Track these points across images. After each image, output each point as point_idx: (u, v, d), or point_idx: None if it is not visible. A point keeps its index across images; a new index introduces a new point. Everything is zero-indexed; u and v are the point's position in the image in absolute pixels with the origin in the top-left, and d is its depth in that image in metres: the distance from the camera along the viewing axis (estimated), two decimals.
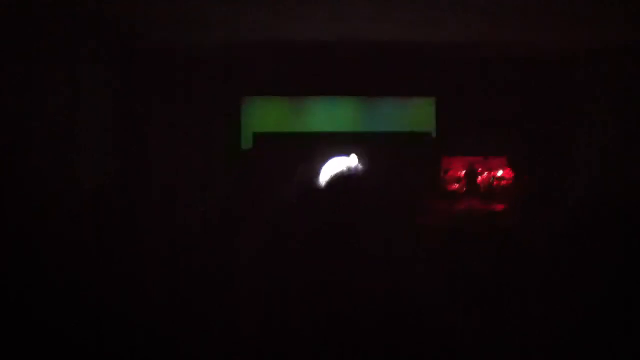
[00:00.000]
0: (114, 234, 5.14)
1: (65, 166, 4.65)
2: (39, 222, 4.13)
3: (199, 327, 4.00)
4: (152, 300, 4.36)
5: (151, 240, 5.45)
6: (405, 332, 3.33)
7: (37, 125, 4.30)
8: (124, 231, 5.27)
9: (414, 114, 6.54)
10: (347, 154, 6.28)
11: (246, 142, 6.33)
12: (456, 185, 5.84)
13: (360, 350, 3.15)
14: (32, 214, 4.05)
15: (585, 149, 6.29)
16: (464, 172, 5.87)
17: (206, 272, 5.03)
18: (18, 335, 3.18)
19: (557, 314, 4.18)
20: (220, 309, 3.99)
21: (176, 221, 5.88)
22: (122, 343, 3.47)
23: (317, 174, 6.21)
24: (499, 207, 5.62)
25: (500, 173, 5.87)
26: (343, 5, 5.34)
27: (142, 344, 3.56)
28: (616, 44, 5.88)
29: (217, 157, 6.20)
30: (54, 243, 4.20)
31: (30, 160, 4.19)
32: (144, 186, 5.81)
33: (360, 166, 6.21)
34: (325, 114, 6.59)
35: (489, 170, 5.89)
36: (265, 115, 6.49)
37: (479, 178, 5.85)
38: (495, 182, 5.82)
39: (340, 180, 6.23)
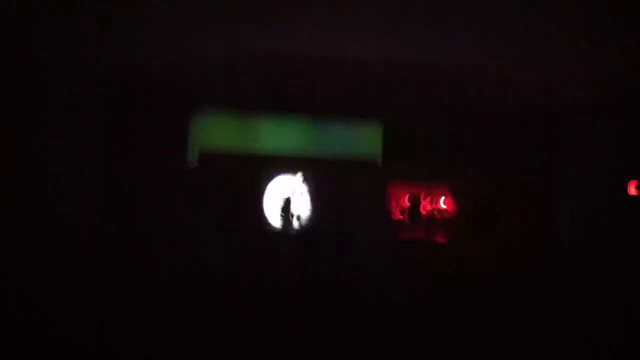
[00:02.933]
0: None
1: None
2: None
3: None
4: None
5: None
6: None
7: None
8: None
9: (362, 138, 6.55)
10: (294, 174, 6.33)
11: (193, 160, 6.26)
12: (400, 215, 5.91)
13: None
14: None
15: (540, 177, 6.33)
16: (407, 201, 5.94)
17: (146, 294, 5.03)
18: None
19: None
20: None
21: (117, 238, 5.82)
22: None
23: (263, 193, 6.24)
24: (440, 238, 5.73)
25: (441, 202, 5.96)
26: (292, 21, 5.35)
27: None
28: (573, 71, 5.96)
29: (162, 175, 6.10)
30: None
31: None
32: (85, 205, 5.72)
33: (305, 187, 6.27)
34: (274, 132, 6.56)
35: (432, 199, 5.97)
36: (213, 133, 6.42)
37: (423, 208, 5.93)
38: (437, 213, 5.91)
39: (286, 200, 6.27)
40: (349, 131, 6.51)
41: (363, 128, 6.50)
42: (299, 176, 6.22)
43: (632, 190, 5.83)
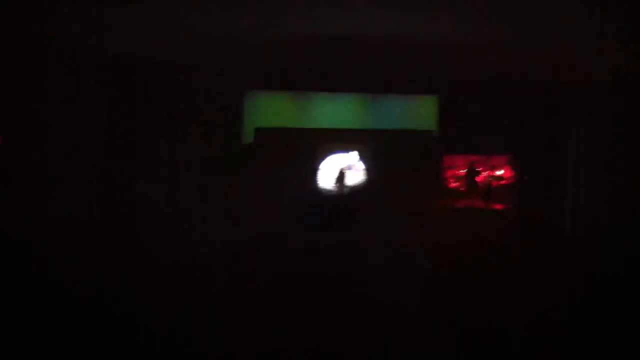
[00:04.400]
0: (116, 233, 5.21)
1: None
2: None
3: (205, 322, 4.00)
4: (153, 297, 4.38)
5: (153, 236, 5.49)
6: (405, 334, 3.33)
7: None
8: (126, 230, 5.34)
9: (417, 112, 6.51)
10: (349, 151, 6.32)
11: (248, 137, 6.32)
12: (456, 184, 5.83)
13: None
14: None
15: (586, 148, 6.26)
16: (464, 170, 5.86)
17: (207, 268, 5.05)
18: (18, 334, 3.18)
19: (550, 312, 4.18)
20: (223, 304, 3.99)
21: (178, 216, 5.92)
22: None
23: (318, 170, 6.24)
24: (498, 206, 5.62)
25: (500, 172, 5.86)
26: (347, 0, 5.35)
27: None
28: (616, 41, 5.85)
29: (219, 152, 6.19)
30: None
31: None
32: (145, 182, 5.84)
33: (361, 163, 6.24)
34: (329, 111, 6.58)
35: (490, 169, 5.88)
36: (268, 111, 6.48)
37: (479, 177, 5.84)
38: (494, 182, 5.81)
39: (341, 176, 6.26)
40: (404, 105, 6.49)
41: (418, 101, 6.48)
42: (354, 152, 6.21)
43: None
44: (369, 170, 6.05)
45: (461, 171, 5.88)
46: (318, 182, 6.09)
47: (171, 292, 4.23)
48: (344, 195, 5.96)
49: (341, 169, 6.09)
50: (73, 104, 5.67)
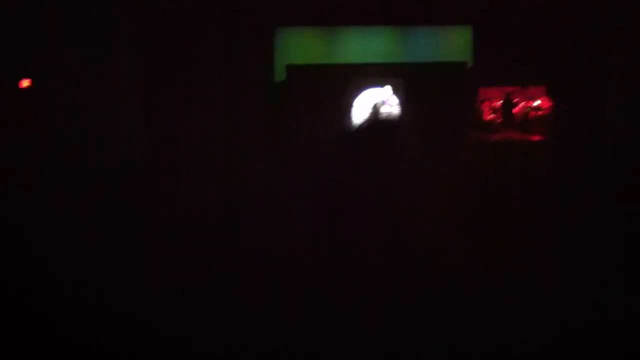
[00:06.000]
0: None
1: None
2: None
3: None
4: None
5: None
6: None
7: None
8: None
9: (450, 44, 6.40)
10: (382, 86, 6.25)
11: (280, 75, 6.27)
12: (493, 116, 5.77)
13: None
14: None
15: (623, 77, 6.13)
16: (500, 102, 5.79)
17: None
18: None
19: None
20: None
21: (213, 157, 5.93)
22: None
23: (352, 106, 6.19)
24: (536, 137, 5.57)
25: (537, 103, 5.78)
26: None
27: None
28: None
29: (251, 89, 6.16)
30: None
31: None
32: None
33: (395, 98, 6.18)
34: (359, 45, 6.49)
35: (527, 100, 5.80)
36: (299, 47, 6.41)
37: (516, 108, 5.77)
38: (532, 113, 5.74)
39: (376, 112, 6.21)
40: (438, 36, 6.39)
41: (451, 32, 6.37)
42: (387, 87, 6.14)
43: None
44: (403, 104, 6.01)
45: (497, 103, 5.81)
46: (353, 118, 6.06)
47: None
48: (378, 130, 5.93)
49: (375, 103, 6.05)
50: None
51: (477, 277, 3.36)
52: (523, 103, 5.79)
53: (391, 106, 6.12)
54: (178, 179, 5.43)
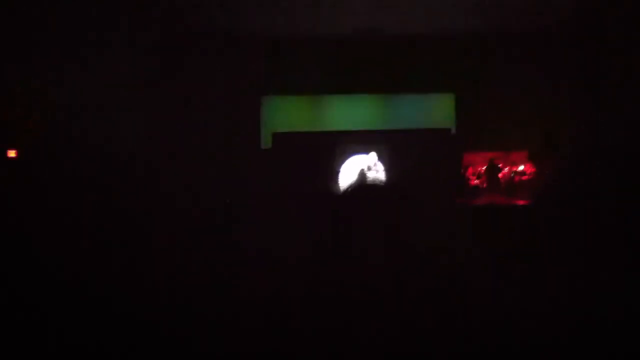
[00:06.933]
0: (122, 233, 5.21)
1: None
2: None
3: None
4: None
5: (161, 238, 5.48)
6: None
7: None
8: (132, 229, 5.33)
9: (434, 110, 6.49)
10: (367, 152, 6.30)
11: (266, 142, 6.33)
12: (477, 181, 5.80)
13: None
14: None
15: (609, 140, 6.19)
16: (484, 167, 5.83)
17: (217, 273, 5.03)
18: (17, 333, 3.19)
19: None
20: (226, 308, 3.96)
21: (192, 218, 5.90)
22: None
23: (337, 172, 6.22)
24: (521, 202, 5.58)
25: (521, 168, 5.82)
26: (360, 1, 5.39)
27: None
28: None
29: (236, 156, 6.19)
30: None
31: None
32: (157, 185, 5.84)
33: (380, 164, 6.22)
34: (345, 112, 6.58)
35: (510, 165, 5.85)
36: (285, 114, 6.49)
37: (500, 173, 5.81)
38: (516, 177, 5.78)
39: (362, 178, 6.23)
40: (422, 104, 6.48)
41: (435, 100, 6.47)
42: (372, 153, 6.19)
43: None
44: (388, 170, 6.04)
45: (481, 168, 5.85)
46: (338, 184, 6.08)
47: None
48: (364, 196, 5.94)
49: (361, 170, 6.08)
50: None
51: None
52: (507, 168, 5.83)
53: (377, 172, 6.15)
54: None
